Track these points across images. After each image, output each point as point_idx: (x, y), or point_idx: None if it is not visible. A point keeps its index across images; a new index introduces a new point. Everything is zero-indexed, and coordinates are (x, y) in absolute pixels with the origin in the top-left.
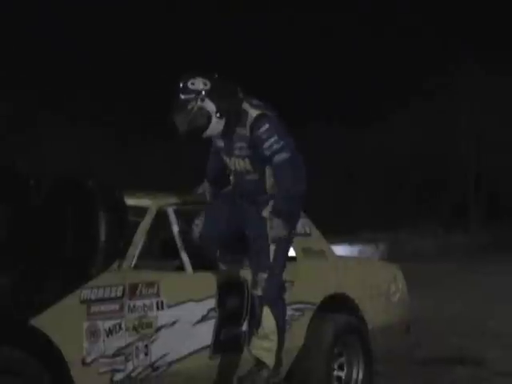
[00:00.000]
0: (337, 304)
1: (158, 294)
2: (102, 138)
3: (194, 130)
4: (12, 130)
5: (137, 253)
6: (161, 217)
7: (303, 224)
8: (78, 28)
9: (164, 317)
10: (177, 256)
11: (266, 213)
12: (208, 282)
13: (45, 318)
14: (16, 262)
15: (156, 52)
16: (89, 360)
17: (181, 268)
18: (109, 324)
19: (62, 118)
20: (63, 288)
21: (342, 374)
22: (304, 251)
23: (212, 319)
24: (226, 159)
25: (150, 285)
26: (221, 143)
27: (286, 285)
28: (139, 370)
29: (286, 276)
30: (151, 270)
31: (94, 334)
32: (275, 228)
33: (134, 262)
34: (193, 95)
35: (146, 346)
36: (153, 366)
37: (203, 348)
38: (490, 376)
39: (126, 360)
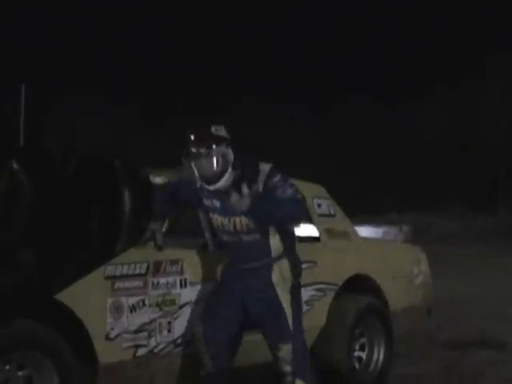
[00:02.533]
0: (359, 285)
1: (181, 272)
2: (131, 116)
3: (214, 175)
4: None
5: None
6: None
7: (328, 205)
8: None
9: (187, 294)
10: (201, 234)
11: (275, 278)
12: None
13: (70, 293)
14: (42, 237)
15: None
16: (112, 335)
17: (205, 246)
18: (133, 300)
19: (90, 95)
20: (88, 264)
21: (363, 355)
22: (327, 232)
23: None
24: (222, 219)
25: (174, 262)
26: (215, 203)
27: (309, 265)
28: (162, 346)
29: (308, 256)
30: (175, 247)
31: (117, 309)
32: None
33: None
34: (219, 141)
35: (169, 322)
36: (175, 343)
37: None
38: (511, 359)
39: (149, 336)
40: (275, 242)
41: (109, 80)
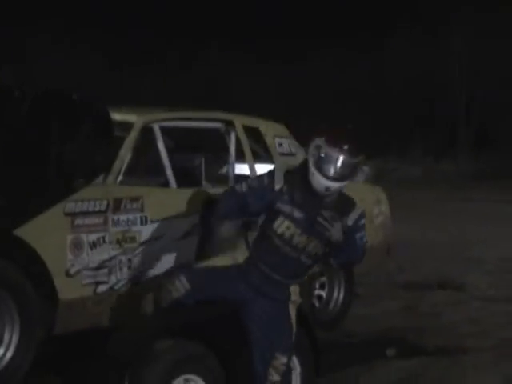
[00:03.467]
0: None
1: (142, 209)
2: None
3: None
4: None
5: (122, 168)
6: (147, 133)
7: (289, 144)
8: None
9: (148, 231)
10: (162, 172)
11: (292, 296)
12: (192, 198)
13: (29, 228)
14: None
15: None
16: (72, 271)
17: (166, 184)
18: (93, 237)
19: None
20: (47, 200)
21: (323, 293)
22: None
23: (196, 235)
24: (296, 231)
25: (135, 200)
26: (296, 213)
27: None
28: (122, 282)
29: None
30: (136, 185)
31: (77, 246)
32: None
33: (119, 177)
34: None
35: (130, 259)
36: (136, 280)
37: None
38: (468, 300)
39: (110, 273)
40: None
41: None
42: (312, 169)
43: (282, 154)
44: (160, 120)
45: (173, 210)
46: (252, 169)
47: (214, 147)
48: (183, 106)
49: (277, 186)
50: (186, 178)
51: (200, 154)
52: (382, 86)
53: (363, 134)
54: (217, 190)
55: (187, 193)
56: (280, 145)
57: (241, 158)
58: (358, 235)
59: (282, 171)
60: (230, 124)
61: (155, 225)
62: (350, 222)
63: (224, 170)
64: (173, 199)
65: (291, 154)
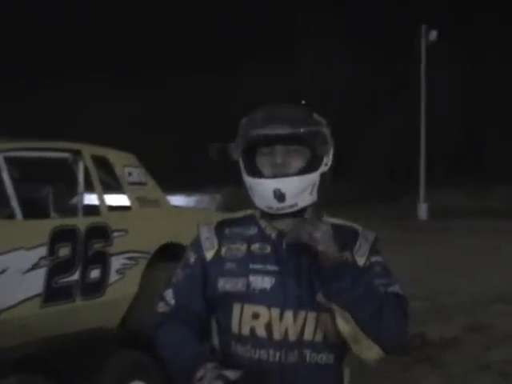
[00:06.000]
0: (171, 253)
1: None
2: None
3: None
4: None
5: None
6: None
7: (139, 173)
8: None
9: None
10: (7, 203)
11: None
12: (39, 229)
13: None
14: None
15: None
16: None
17: (12, 216)
18: None
19: None
20: None
21: None
22: (138, 200)
23: (43, 267)
24: (270, 313)
25: None
26: (254, 279)
27: (120, 234)
28: None
29: (119, 225)
30: None
31: None
32: None
33: None
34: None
35: None
36: None
37: (34, 296)
38: None
39: None
40: (348, 374)
41: None
42: (248, 179)
43: (132, 184)
44: (4, 150)
45: (19, 241)
46: (101, 199)
47: (63, 177)
48: (29, 136)
49: (208, 254)
50: (32, 208)
51: (48, 184)
52: (239, 110)
53: (223, 159)
54: (65, 221)
55: (34, 224)
56: (130, 174)
57: (90, 187)
58: (378, 282)
59: (211, 226)
60: (77, 154)
61: (0, 257)
62: (360, 261)
63: (73, 200)
64: (19, 231)
65: (141, 184)
